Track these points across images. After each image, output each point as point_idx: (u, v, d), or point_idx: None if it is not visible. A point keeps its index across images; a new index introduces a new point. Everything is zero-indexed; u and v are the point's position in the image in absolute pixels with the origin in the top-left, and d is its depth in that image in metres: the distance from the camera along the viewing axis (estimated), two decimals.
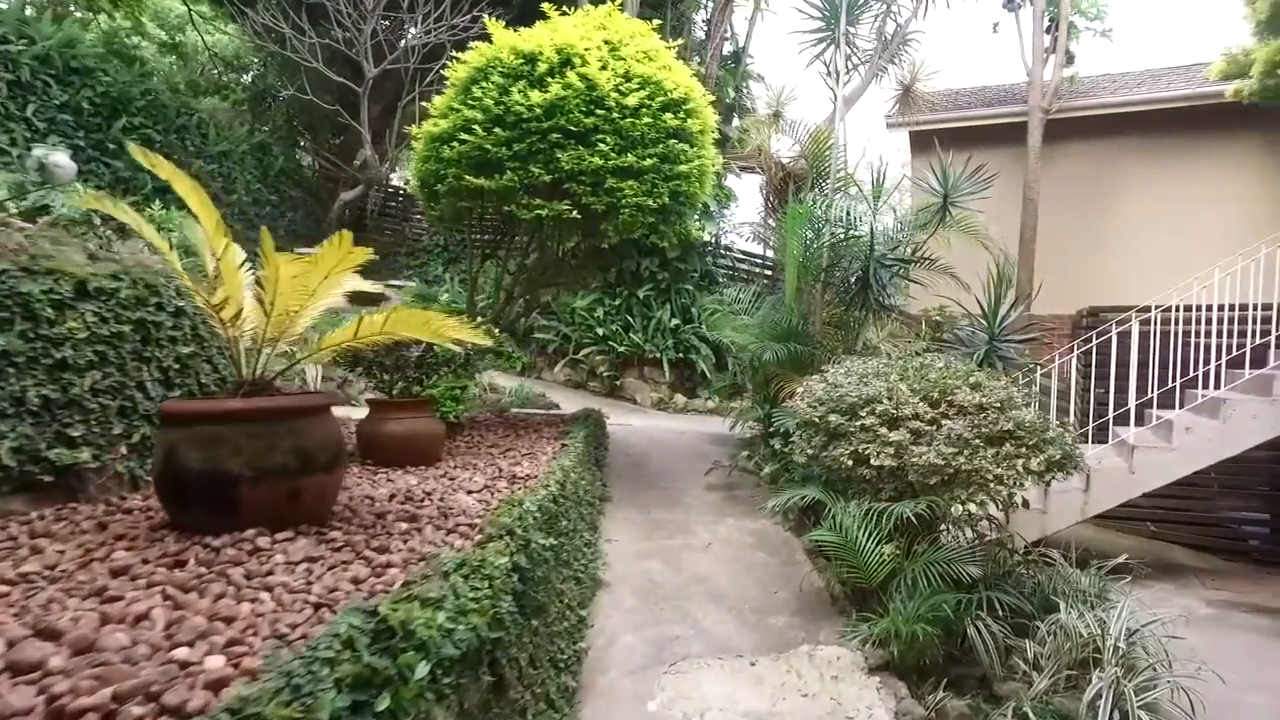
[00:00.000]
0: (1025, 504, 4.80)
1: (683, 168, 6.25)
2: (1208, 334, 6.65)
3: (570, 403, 10.72)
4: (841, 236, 6.86)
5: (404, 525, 3.33)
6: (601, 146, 5.83)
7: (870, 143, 37.64)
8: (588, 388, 12.08)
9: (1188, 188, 11.05)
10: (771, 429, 6.82)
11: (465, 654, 2.13)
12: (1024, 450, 4.25)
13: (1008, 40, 35.47)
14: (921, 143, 11.73)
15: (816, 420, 4.79)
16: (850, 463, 4.46)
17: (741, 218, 13.59)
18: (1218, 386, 6.56)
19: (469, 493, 4.14)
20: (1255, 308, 6.79)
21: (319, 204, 16.21)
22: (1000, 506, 4.28)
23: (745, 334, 7.85)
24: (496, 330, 6.29)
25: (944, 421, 4.38)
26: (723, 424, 8.84)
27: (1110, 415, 6.96)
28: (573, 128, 5.83)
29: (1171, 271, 8.56)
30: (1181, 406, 6.62)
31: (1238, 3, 10.40)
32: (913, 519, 4.17)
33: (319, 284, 2.97)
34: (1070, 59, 11.84)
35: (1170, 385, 6.71)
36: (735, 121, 12.36)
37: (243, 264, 3.10)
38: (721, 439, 8.55)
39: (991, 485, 4.14)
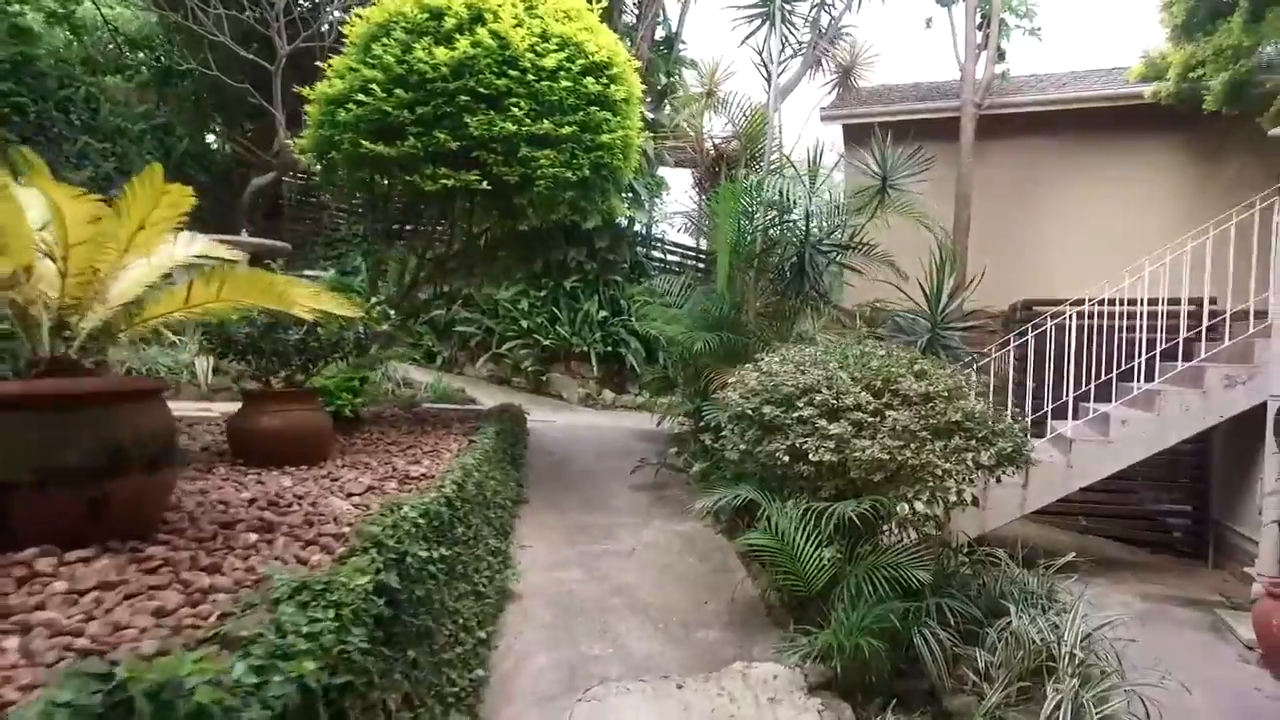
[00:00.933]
0: (975, 501, 4.48)
1: (605, 138, 5.72)
2: (1141, 328, 6.56)
3: (492, 399, 10.07)
4: (776, 219, 6.48)
5: (253, 537, 2.71)
6: (515, 111, 5.25)
7: (804, 137, 37.92)
8: (512, 383, 11.45)
9: (1113, 185, 11.20)
10: (702, 423, 6.38)
11: (285, 713, 1.57)
12: (974, 443, 3.91)
13: (941, 36, 36.33)
14: (855, 137, 11.56)
15: (750, 413, 4.35)
16: (787, 459, 4.04)
17: (673, 208, 13.21)
18: (1151, 379, 6.46)
19: (349, 496, 3.52)
20: (1184, 301, 6.75)
21: (230, 191, 15.01)
22: (949, 505, 3.93)
23: (676, 325, 7.39)
24: (391, 314, 5.62)
25: (888, 413, 4.00)
26: (653, 420, 8.38)
27: (1048, 408, 6.80)
28: (483, 90, 5.23)
29: (1100, 267, 8.55)
30: (1116, 400, 6.50)
31: (1156, 7, 10.62)
32: (855, 520, 3.77)
33: (131, 236, 2.33)
34: (1001, 55, 11.86)
35: (1105, 378, 6.59)
36: (667, 110, 11.92)
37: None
38: (651, 435, 8.08)
39: (940, 481, 3.78)
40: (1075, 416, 6.63)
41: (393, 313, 5.67)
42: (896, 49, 25.93)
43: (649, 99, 11.22)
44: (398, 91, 5.24)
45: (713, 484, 5.42)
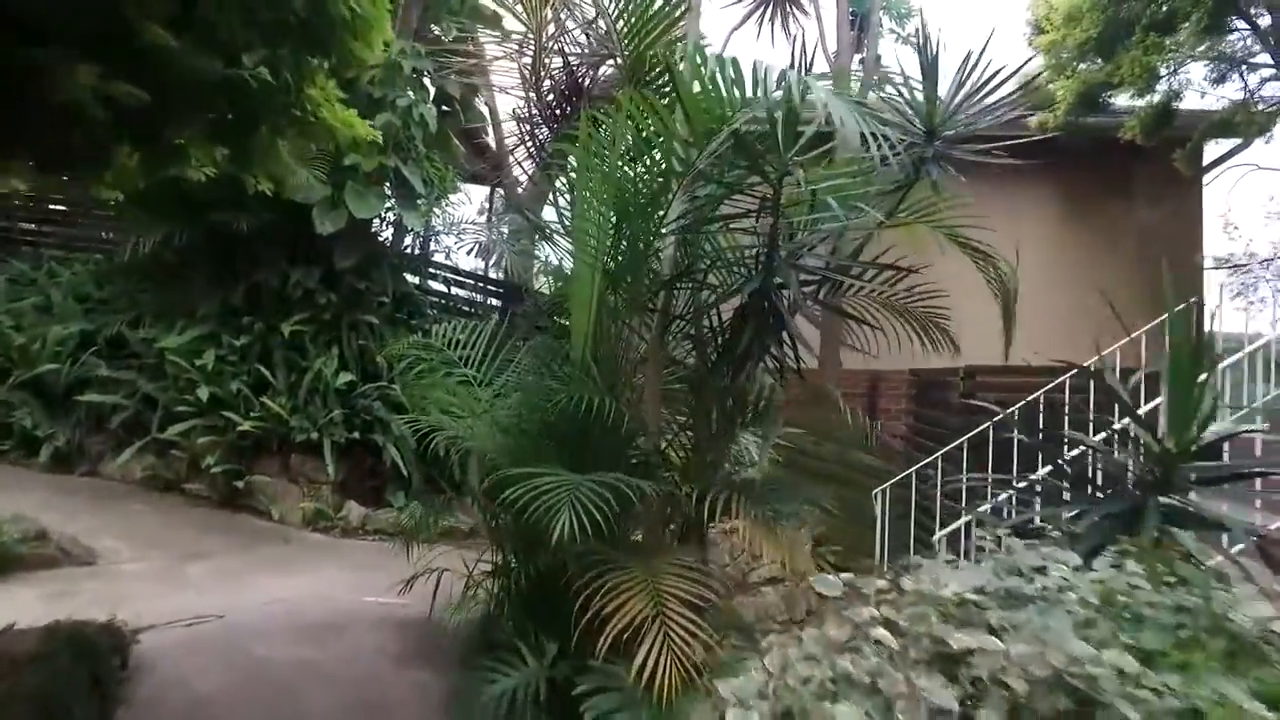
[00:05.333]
0: None
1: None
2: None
3: (128, 541, 5.50)
4: (712, 195, 3.08)
5: None
6: None
7: None
8: (186, 491, 6.79)
9: (1002, 219, 9.40)
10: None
11: None
12: None
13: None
14: None
15: None
16: None
17: (468, 217, 9.33)
18: None
19: None
20: None
21: None
22: None
23: (482, 423, 3.68)
24: None
25: None
26: (431, 570, 4.40)
27: None
28: None
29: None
30: None
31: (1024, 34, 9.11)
32: None
33: None
34: (878, 60, 9.79)
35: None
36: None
37: None
38: (430, 633, 4.12)
39: None
40: None
41: None
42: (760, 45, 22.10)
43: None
44: None
45: None
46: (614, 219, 3.16)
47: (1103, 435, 3.89)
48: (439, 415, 3.93)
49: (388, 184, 7.17)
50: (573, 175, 3.40)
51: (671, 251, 3.33)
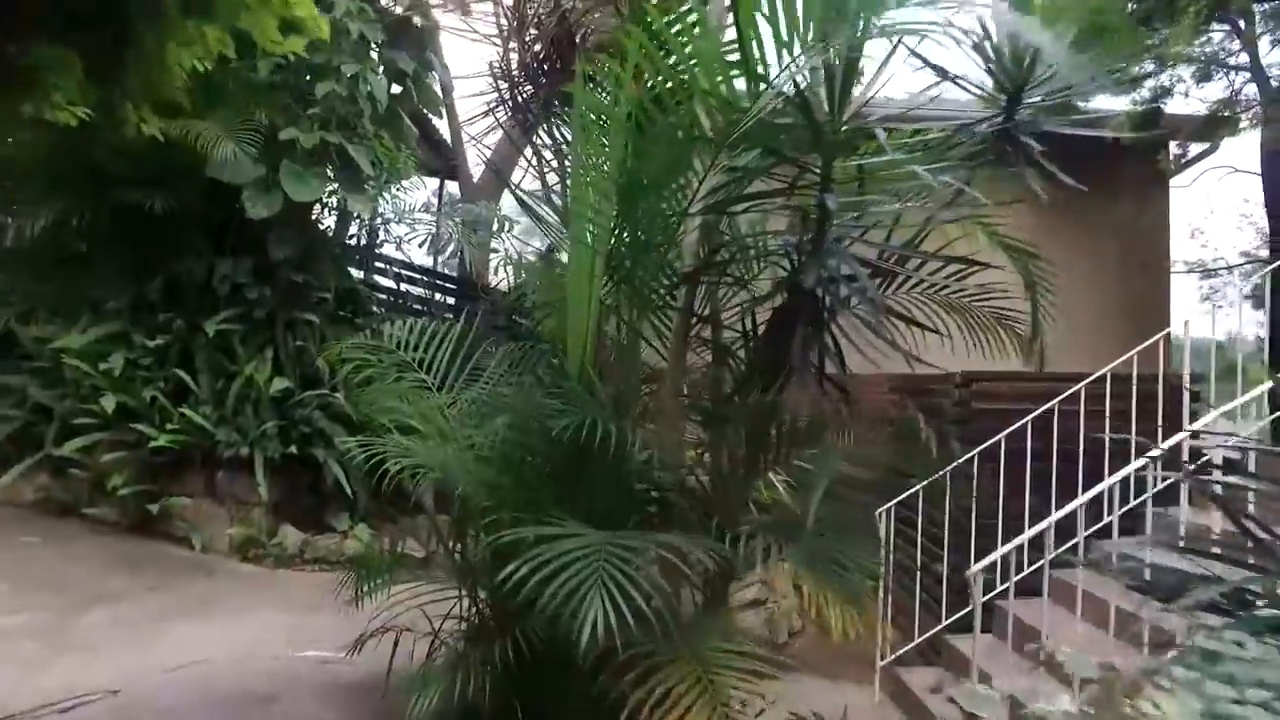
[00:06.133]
0: None
1: None
2: None
3: (17, 575, 4.59)
4: (759, 163, 2.45)
5: None
6: None
7: None
8: (87, 516, 5.83)
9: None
10: None
11: None
12: None
13: None
14: None
15: None
16: None
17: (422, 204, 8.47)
18: None
19: None
20: None
21: None
22: None
23: (444, 442, 2.98)
24: None
25: None
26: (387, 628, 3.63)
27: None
28: None
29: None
30: None
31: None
32: None
33: None
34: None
35: None
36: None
37: None
38: (381, 707, 3.35)
39: None
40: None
41: None
42: None
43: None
44: None
45: None
46: (630, 187, 2.49)
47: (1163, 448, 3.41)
48: (399, 437, 3.19)
49: (331, 165, 6.32)
50: (569, 143, 2.71)
51: (695, 237, 2.68)
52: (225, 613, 4.53)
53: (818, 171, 2.53)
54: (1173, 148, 8.66)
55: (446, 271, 9.74)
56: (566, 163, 3.05)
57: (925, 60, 2.69)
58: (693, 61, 2.41)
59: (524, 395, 2.83)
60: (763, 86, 2.22)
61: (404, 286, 8.29)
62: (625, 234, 2.66)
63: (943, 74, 2.68)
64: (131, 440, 5.75)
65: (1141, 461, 3.50)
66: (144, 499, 5.74)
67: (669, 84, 2.47)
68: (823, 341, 2.68)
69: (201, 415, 5.81)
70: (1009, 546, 3.53)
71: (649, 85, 2.60)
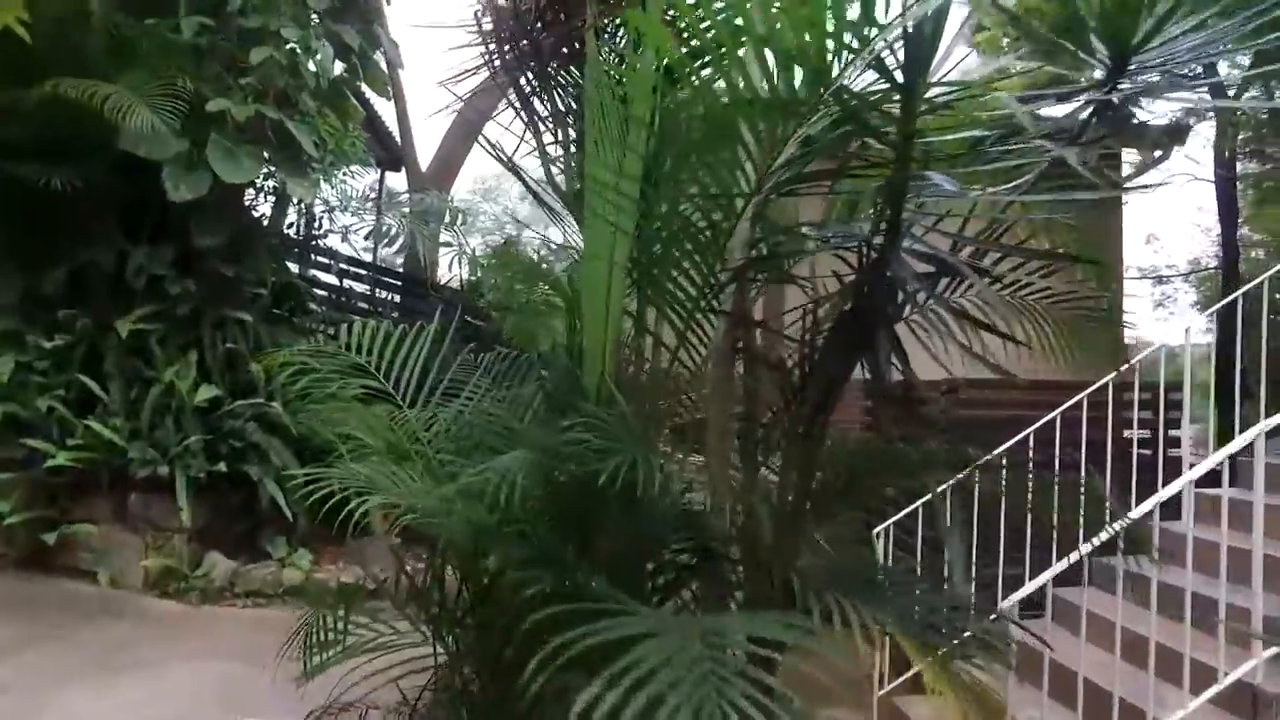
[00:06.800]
0: None
1: None
2: None
3: None
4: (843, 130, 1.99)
5: None
6: None
7: None
8: None
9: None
10: None
11: None
12: None
13: None
14: None
15: None
16: None
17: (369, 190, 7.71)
18: None
19: None
20: None
21: None
22: None
23: (423, 479, 2.40)
24: None
25: None
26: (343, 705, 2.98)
27: None
28: None
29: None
30: None
31: None
32: None
33: None
34: None
35: None
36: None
37: None
38: None
39: None
40: None
41: None
42: None
43: None
44: None
45: None
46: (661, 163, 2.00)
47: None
48: (355, 467, 2.58)
49: (267, 144, 5.58)
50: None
51: (748, 225, 2.19)
52: (135, 669, 3.78)
53: (894, 145, 2.08)
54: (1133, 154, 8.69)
55: (390, 268, 9.04)
56: (573, 135, 2.52)
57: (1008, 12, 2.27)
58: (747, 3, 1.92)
59: (543, 423, 2.28)
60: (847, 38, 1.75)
61: (347, 283, 7.56)
62: (658, 222, 2.16)
63: (1028, 31, 2.25)
64: (22, 458, 4.92)
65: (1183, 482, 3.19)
66: (38, 527, 4.90)
67: (711, 32, 1.98)
68: (899, 348, 2.22)
69: (111, 428, 5.01)
70: (1045, 577, 3.17)
71: (684, 34, 2.11)
